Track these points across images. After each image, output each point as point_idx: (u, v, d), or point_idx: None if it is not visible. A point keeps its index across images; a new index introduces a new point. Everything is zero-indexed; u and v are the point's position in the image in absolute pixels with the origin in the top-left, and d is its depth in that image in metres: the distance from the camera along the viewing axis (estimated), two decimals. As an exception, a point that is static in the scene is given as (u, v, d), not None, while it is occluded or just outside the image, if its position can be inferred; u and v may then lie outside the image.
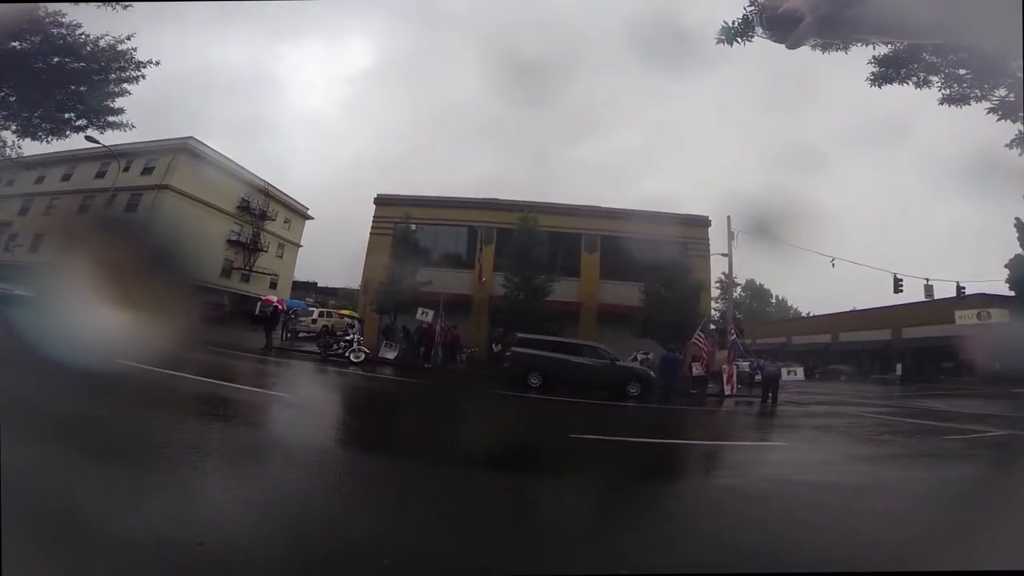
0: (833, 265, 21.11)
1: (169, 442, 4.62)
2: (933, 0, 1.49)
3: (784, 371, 15.44)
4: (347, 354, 15.19)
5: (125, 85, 16.30)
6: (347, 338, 15.71)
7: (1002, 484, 6.25)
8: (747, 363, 17.23)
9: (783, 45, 1.83)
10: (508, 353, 14.60)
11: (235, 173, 27.45)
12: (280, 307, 16.37)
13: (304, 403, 8.69)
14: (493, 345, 18.49)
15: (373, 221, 22.39)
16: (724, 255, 20.62)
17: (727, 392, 16.04)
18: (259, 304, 16.08)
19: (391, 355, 17.36)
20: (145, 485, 3.72)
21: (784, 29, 1.81)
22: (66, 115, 16.04)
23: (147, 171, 25.50)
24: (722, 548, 3.69)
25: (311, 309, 22.25)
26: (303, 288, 35.85)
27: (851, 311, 33.52)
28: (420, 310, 16.92)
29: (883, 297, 25.45)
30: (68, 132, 16.96)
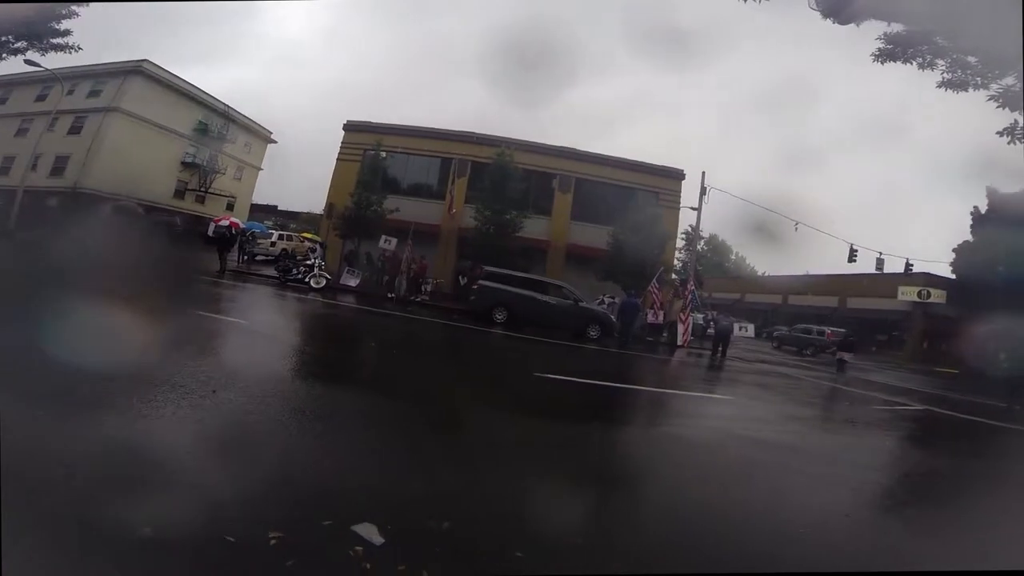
0: (796, 229, 21.57)
1: (114, 374, 4.18)
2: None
3: (736, 327, 15.83)
4: (307, 279, 14.61)
5: (73, 6, 14.35)
6: (307, 262, 15.04)
7: (917, 453, 6.70)
8: (701, 316, 17.63)
9: (831, 19, 1.56)
10: (475, 286, 14.37)
11: (193, 96, 26.30)
12: (234, 227, 15.36)
13: (260, 329, 8.22)
14: (460, 278, 18.22)
15: (341, 147, 21.25)
16: (694, 208, 20.66)
17: (680, 343, 16.44)
18: (211, 224, 15.01)
19: (353, 282, 16.83)
20: (90, 420, 3.38)
21: (836, 4, 1.55)
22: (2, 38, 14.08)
23: (94, 94, 23.88)
24: (668, 492, 3.79)
25: (270, 231, 21.17)
26: (263, 211, 34.39)
27: (804, 275, 34.50)
28: (383, 237, 16.30)
29: (836, 266, 26.39)
30: (4, 55, 15.08)
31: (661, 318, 17.13)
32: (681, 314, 16.41)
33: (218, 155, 27.79)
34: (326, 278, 14.87)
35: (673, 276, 17.21)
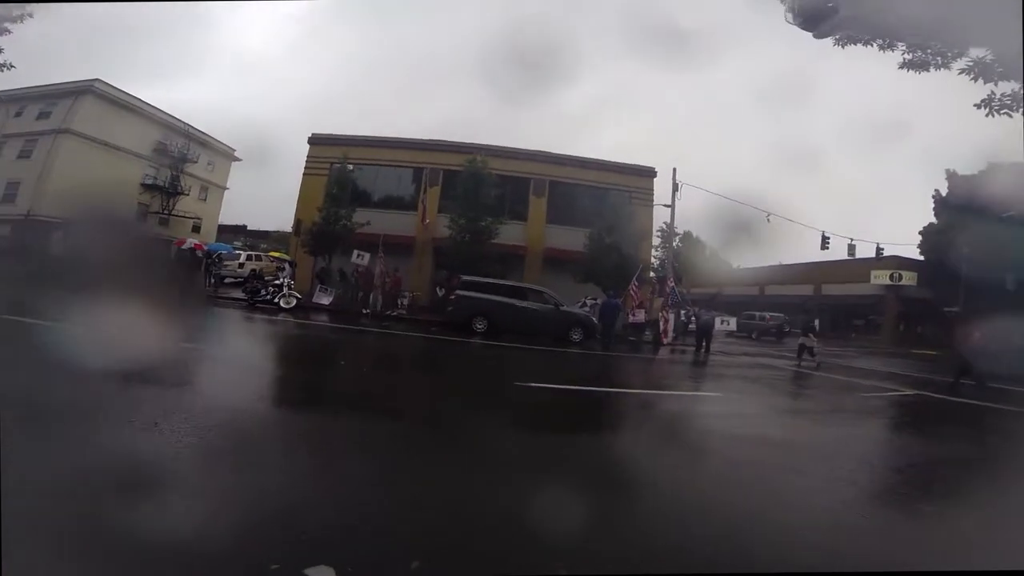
0: (768, 220, 21.69)
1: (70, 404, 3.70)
2: (963, 5, 1.28)
3: (718, 321, 15.69)
4: (276, 300, 13.95)
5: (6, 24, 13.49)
6: (276, 282, 14.39)
7: (925, 444, 6.39)
8: (682, 312, 17.46)
9: (810, 33, 1.54)
10: (452, 297, 13.93)
11: (150, 115, 25.45)
12: (197, 249, 14.64)
13: (220, 355, 7.66)
14: (437, 289, 17.73)
15: (307, 161, 20.65)
16: (667, 206, 20.59)
17: (663, 340, 16.23)
18: (173, 248, 14.25)
19: (326, 300, 16.21)
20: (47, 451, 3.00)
21: (814, 18, 1.68)
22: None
23: (43, 116, 23.00)
24: (671, 504, 3.46)
25: (238, 252, 20.37)
26: (232, 231, 33.37)
27: (778, 265, 34.84)
28: (356, 252, 15.75)
29: (811, 255, 26.67)
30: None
31: (642, 317, 16.92)
32: (662, 312, 16.20)
33: (180, 175, 26.89)
34: (296, 298, 14.23)
35: (651, 274, 16.99)
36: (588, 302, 17.09)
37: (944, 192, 27.53)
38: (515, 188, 20.91)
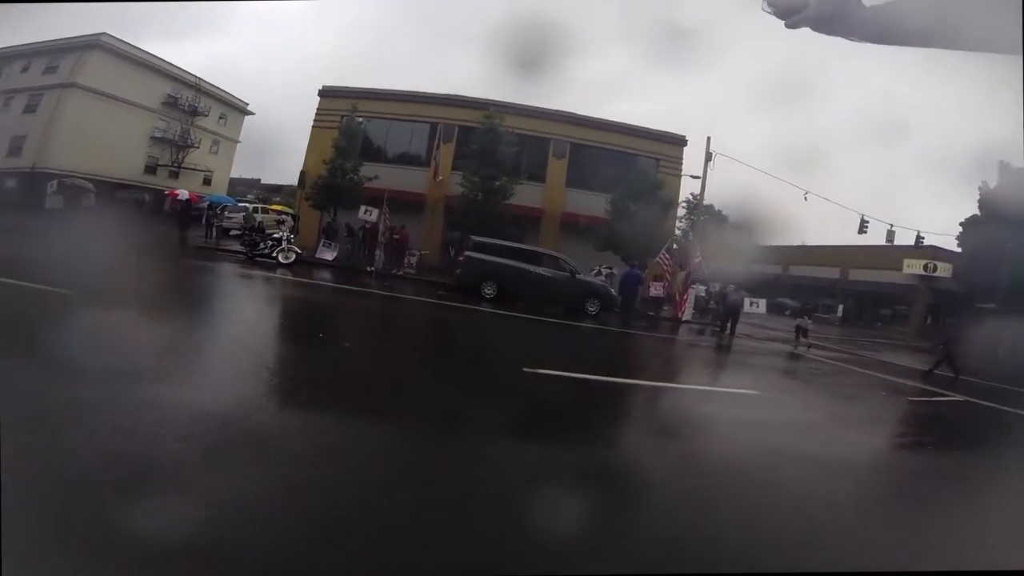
0: (806, 199, 20.04)
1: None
2: (940, 9, 1.31)
3: (748, 302, 14.26)
4: (274, 254, 12.94)
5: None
6: (275, 236, 13.34)
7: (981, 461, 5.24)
8: (703, 288, 16.13)
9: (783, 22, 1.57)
10: (461, 258, 12.78)
11: (159, 68, 24.56)
12: (192, 200, 13.59)
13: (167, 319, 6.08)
14: (449, 249, 16.61)
15: (316, 114, 19.37)
16: (695, 177, 19.01)
17: (680, 316, 14.97)
18: (167, 200, 13.20)
19: (329, 256, 15.20)
20: None
21: (787, 6, 1.54)
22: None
23: (50, 71, 22.09)
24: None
25: (244, 204, 19.35)
26: (245, 185, 32.57)
27: (805, 245, 33.12)
28: (363, 208, 14.58)
29: (844, 239, 24.99)
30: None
31: (662, 291, 15.67)
32: (682, 287, 14.88)
33: (190, 129, 26.16)
34: (296, 252, 13.20)
35: (674, 247, 15.55)
36: (604, 271, 15.86)
37: (992, 184, 25.35)
38: (534, 148, 19.42)
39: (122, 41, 22.58)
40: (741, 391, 7.18)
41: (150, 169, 24.54)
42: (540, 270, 12.69)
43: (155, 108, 24.41)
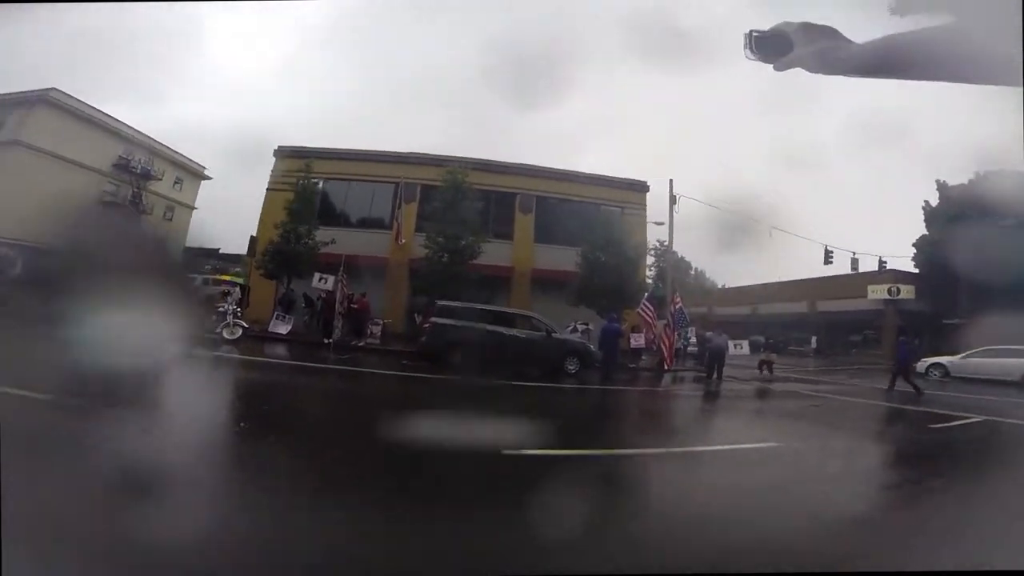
0: (771, 235, 20.04)
1: None
2: (937, 40, 1.22)
3: (732, 345, 13.66)
4: (217, 329, 11.60)
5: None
6: (219, 309, 12.01)
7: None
8: (686, 334, 15.49)
9: (771, 66, 1.51)
10: (426, 325, 11.69)
11: (111, 128, 23.11)
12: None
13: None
14: (415, 316, 15.43)
15: (271, 176, 18.34)
16: (659, 224, 18.76)
17: (668, 366, 14.15)
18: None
19: (283, 329, 13.86)
20: None
21: (772, 51, 1.48)
22: None
23: None
24: None
25: (192, 275, 17.89)
26: (201, 255, 30.88)
27: (771, 283, 33.64)
28: (318, 276, 13.41)
29: (808, 270, 25.30)
30: None
31: (643, 341, 14.82)
32: (664, 334, 14.10)
33: (142, 194, 24.60)
34: (242, 327, 11.89)
35: (656, 294, 14.87)
36: (580, 327, 14.97)
37: (934, 203, 26.36)
38: (499, 204, 18.87)
39: (71, 97, 21.26)
40: (757, 445, 6.15)
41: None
42: (513, 332, 11.72)
43: (105, 170, 22.78)
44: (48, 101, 20.76)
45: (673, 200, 16.83)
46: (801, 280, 29.83)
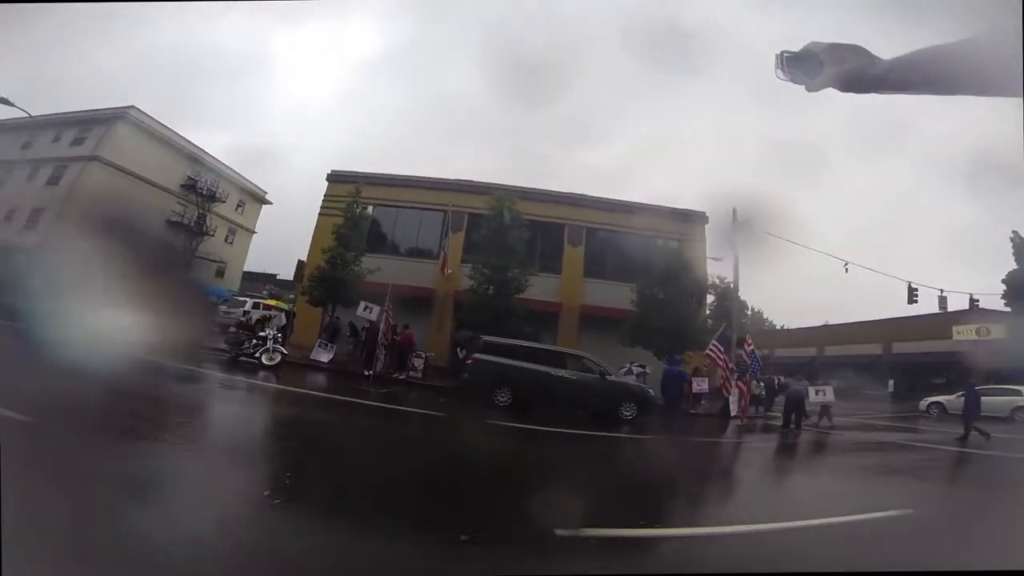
0: (847, 270, 18.15)
1: None
2: (975, 52, 1.15)
3: (812, 391, 12.02)
4: (257, 355, 11.17)
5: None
6: (260, 334, 11.61)
7: None
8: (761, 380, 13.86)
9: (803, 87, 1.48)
10: (469, 362, 10.78)
11: (181, 148, 23.87)
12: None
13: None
14: (458, 350, 14.58)
15: (323, 200, 18.32)
16: (716, 259, 17.30)
17: (735, 413, 12.55)
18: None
19: (325, 358, 13.33)
20: None
21: (803, 71, 1.45)
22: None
23: (78, 142, 21.69)
24: None
25: (243, 299, 17.94)
26: (259, 279, 31.55)
27: (840, 324, 31.12)
28: (363, 304, 12.89)
29: (890, 309, 22.94)
30: None
31: (706, 386, 13.32)
32: (737, 380, 12.55)
33: (206, 215, 25.12)
34: (281, 353, 11.41)
35: (729, 334, 13.28)
36: (635, 369, 13.62)
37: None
38: (547, 236, 18.02)
39: (147, 115, 22.09)
40: (888, 514, 4.67)
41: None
42: (563, 373, 10.58)
43: (174, 190, 23.40)
44: (126, 118, 21.50)
45: (737, 230, 15.41)
46: (875, 321, 27.47)
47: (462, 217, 17.67)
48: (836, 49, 1.39)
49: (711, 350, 12.16)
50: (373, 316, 12.91)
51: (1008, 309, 23.43)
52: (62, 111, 21.05)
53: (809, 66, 1.42)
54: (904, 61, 1.26)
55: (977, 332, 23.85)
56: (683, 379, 10.83)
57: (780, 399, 14.52)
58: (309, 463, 5.18)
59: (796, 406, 11.42)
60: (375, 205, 17.65)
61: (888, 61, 1.31)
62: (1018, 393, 15.92)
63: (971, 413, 10.93)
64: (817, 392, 12.08)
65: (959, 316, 22.91)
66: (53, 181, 21.24)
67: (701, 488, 6.33)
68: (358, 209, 15.21)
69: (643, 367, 13.56)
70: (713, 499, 5.95)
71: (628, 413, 10.52)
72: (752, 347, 12.85)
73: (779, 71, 1.46)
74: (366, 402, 9.28)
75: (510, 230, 14.58)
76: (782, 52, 1.44)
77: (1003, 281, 23.82)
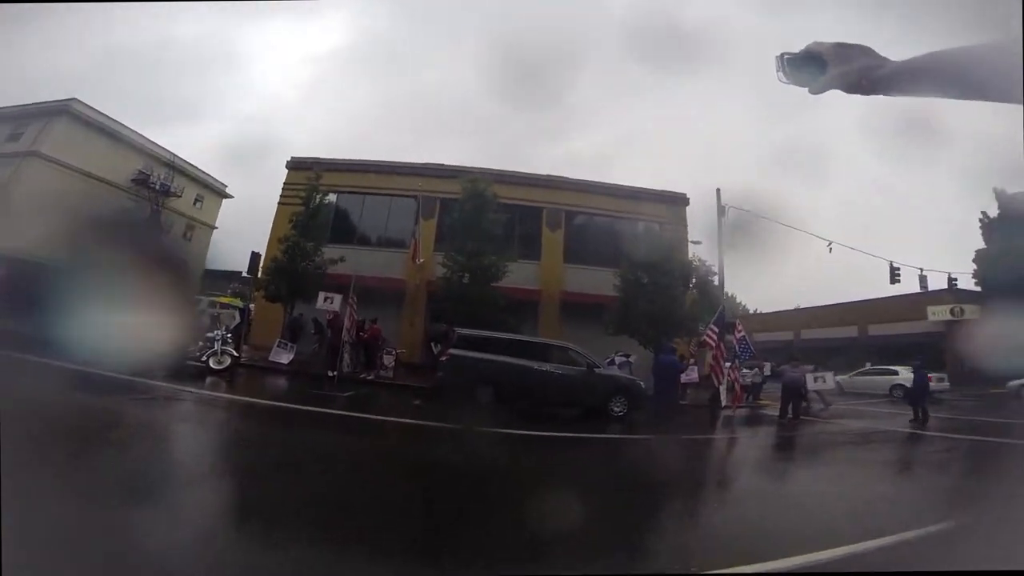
0: (830, 250, 17.62)
1: None
2: (988, 57, 1.10)
3: (811, 378, 11.31)
4: (203, 358, 9.75)
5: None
6: (207, 335, 10.18)
7: None
8: (754, 367, 13.12)
9: (806, 90, 1.39)
10: (444, 358, 9.61)
11: (132, 142, 21.68)
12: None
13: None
14: (432, 345, 13.36)
15: (283, 189, 16.74)
16: (695, 242, 16.51)
17: (736, 404, 11.75)
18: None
19: (285, 359, 11.98)
20: None
21: (805, 73, 1.37)
22: None
23: (13, 138, 19.51)
24: None
25: (199, 297, 16.22)
26: (222, 277, 29.49)
27: (815, 307, 31.07)
28: (323, 296, 11.54)
29: (870, 289, 22.78)
30: None
31: (696, 375, 12.50)
32: (722, 367, 11.71)
33: (161, 211, 23.18)
34: (232, 355, 10.04)
35: (724, 316, 12.34)
36: (618, 359, 12.68)
37: (992, 213, 23.38)
38: (524, 220, 16.87)
39: (92, 108, 19.96)
40: (932, 529, 3.78)
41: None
42: (547, 366, 9.53)
43: (123, 185, 21.17)
44: (69, 111, 19.54)
45: (722, 212, 14.58)
46: (850, 303, 27.36)
47: (434, 203, 16.37)
48: (842, 49, 1.32)
49: (708, 335, 11.26)
50: (334, 306, 11.57)
51: (979, 289, 23.54)
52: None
53: (812, 67, 1.35)
54: (915, 63, 1.21)
55: (951, 312, 23.87)
56: (677, 369, 9.92)
57: (767, 386, 13.98)
58: (232, 497, 3.95)
59: (794, 394, 10.66)
60: (339, 192, 16.22)
61: (897, 63, 1.25)
62: (895, 373, 16.74)
63: (918, 394, 10.93)
64: (816, 379, 11.37)
65: (935, 297, 22.84)
66: (-12, 178, 19.18)
67: (724, 489, 5.35)
68: (318, 196, 13.74)
69: (627, 356, 12.63)
70: (750, 501, 4.95)
71: (618, 409, 9.58)
72: (743, 332, 12.04)
73: (780, 74, 1.37)
74: (323, 409, 7.97)
75: (485, 213, 13.38)
76: (782, 54, 1.36)
77: (973, 260, 23.87)
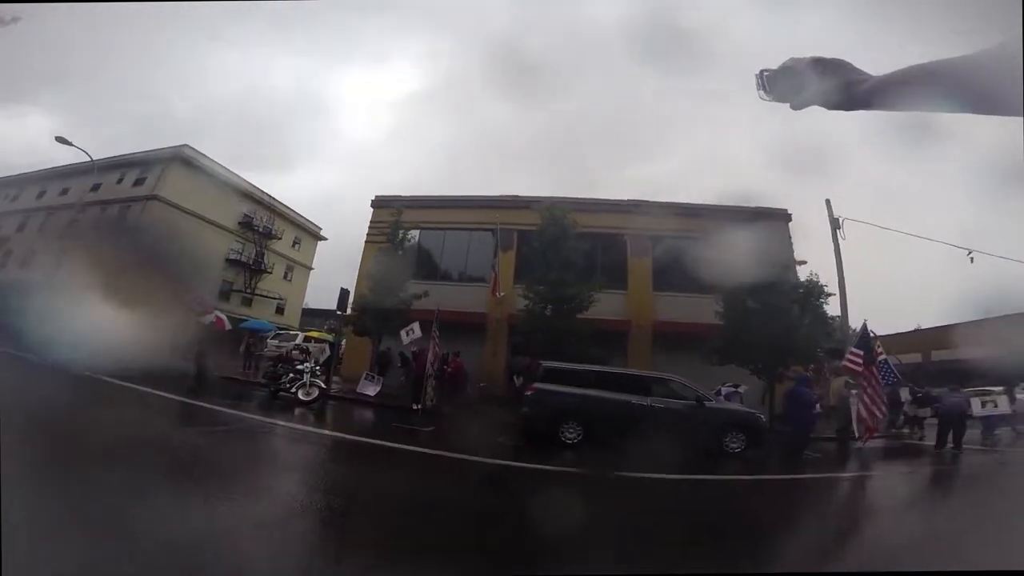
0: (971, 260, 14.76)
1: None
2: (980, 68, 1.07)
3: (978, 403, 9.13)
4: (293, 390, 9.79)
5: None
6: (298, 367, 10.27)
7: None
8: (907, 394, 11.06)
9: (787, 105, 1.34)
10: (528, 392, 8.78)
11: (236, 186, 23.17)
12: (220, 326, 11.10)
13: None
14: (515, 378, 12.62)
15: (369, 227, 17.32)
16: (801, 262, 14.45)
17: (859, 435, 9.62)
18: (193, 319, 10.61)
19: (371, 391, 11.85)
20: None
21: (785, 89, 1.32)
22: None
23: (139, 183, 21.34)
24: None
25: (291, 332, 16.99)
26: (319, 315, 31.28)
27: (950, 324, 26.28)
28: (406, 330, 11.34)
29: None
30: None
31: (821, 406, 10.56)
32: (880, 396, 9.64)
33: (264, 252, 24.79)
34: (319, 387, 10.02)
35: (872, 336, 10.31)
36: (725, 390, 11.11)
37: None
38: (608, 248, 15.93)
39: (201, 154, 21.57)
40: None
41: (223, 294, 21.80)
42: (648, 400, 8.34)
43: (232, 228, 22.94)
44: (182, 158, 21.11)
45: (836, 224, 12.67)
46: (988, 319, 22.84)
47: (511, 235, 16.01)
48: (818, 64, 1.28)
49: (850, 359, 9.41)
50: (415, 334, 11.33)
51: None
52: (122, 152, 21.28)
53: (792, 83, 1.29)
54: (897, 77, 1.18)
55: None
56: (813, 400, 8.30)
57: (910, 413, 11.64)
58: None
59: (955, 422, 8.71)
60: (421, 229, 16.42)
61: (879, 77, 1.22)
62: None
63: (946, 419, 9.31)
64: (984, 403, 9.10)
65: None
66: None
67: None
68: (401, 233, 13.91)
69: (736, 387, 11.03)
70: None
71: (735, 445, 8.14)
72: (884, 355, 10.03)
73: (761, 92, 1.32)
74: (399, 447, 7.40)
75: (565, 241, 12.67)
76: (762, 71, 1.31)
77: None
